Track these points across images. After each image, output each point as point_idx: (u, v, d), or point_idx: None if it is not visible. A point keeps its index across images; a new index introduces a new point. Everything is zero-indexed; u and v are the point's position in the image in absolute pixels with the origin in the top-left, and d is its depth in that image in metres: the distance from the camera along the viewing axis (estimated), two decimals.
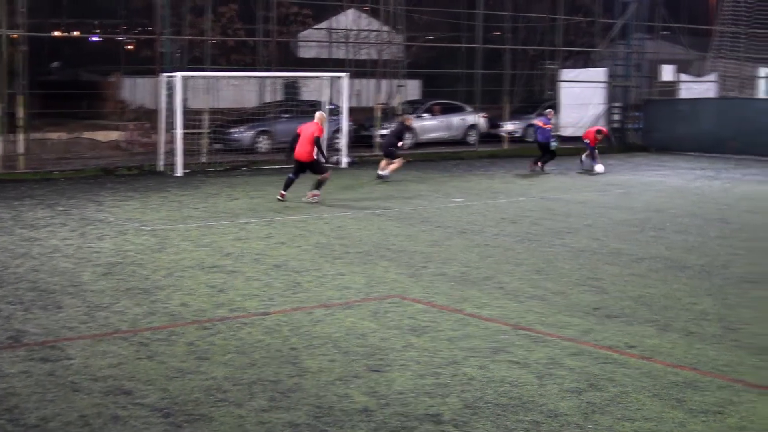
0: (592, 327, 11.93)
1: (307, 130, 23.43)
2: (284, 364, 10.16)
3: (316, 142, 23.21)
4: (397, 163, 28.81)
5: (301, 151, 23.31)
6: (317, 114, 24.55)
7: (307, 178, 23.59)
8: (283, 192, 23.58)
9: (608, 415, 8.79)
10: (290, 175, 23.72)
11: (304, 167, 23.49)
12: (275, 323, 11.90)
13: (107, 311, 12.46)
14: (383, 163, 29.21)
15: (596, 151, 32.14)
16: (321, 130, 23.62)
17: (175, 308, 12.69)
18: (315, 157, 23.42)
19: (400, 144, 29.21)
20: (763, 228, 20.43)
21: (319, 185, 23.57)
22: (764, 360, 10.64)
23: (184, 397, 9.12)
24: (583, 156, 32.74)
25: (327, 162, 24.53)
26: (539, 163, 31.73)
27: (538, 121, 31.90)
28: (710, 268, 15.85)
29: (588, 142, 32.28)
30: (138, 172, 30.51)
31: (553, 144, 31.32)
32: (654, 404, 9.09)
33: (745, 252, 17.44)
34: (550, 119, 31.72)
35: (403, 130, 29.49)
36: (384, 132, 38.17)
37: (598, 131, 32.75)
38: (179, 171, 29.57)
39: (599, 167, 31.47)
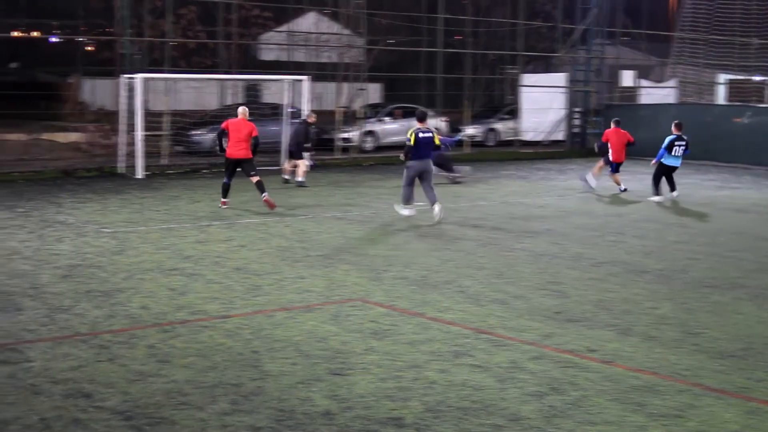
0: (552, 331, 11.98)
1: (241, 126, 22.21)
2: (246, 368, 10.14)
3: (255, 141, 22.40)
4: (302, 165, 27.48)
5: (238, 148, 22.15)
6: (241, 110, 22.80)
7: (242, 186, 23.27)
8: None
9: (569, 418, 8.83)
10: (226, 180, 22.60)
11: (239, 165, 22.31)
12: (236, 326, 11.87)
13: (67, 314, 12.39)
14: (287, 166, 28.53)
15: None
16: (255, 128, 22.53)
17: (135, 311, 12.63)
18: (251, 155, 22.42)
19: (307, 144, 27.84)
20: (720, 233, 20.56)
21: (262, 187, 22.32)
22: (723, 364, 10.72)
23: (145, 400, 9.08)
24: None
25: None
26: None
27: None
28: (669, 272, 15.94)
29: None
30: (98, 174, 30.36)
31: (459, 137, 28.45)
32: (614, 408, 9.13)
33: (703, 257, 17.56)
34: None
35: (308, 129, 27.89)
36: (345, 135, 38.26)
37: None
38: (140, 173, 29.45)
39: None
